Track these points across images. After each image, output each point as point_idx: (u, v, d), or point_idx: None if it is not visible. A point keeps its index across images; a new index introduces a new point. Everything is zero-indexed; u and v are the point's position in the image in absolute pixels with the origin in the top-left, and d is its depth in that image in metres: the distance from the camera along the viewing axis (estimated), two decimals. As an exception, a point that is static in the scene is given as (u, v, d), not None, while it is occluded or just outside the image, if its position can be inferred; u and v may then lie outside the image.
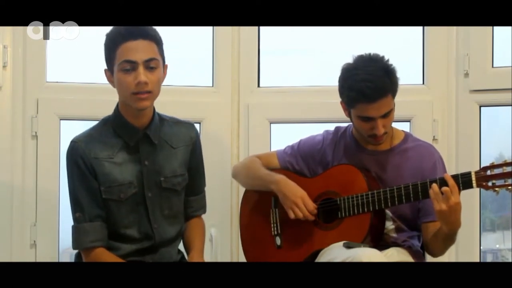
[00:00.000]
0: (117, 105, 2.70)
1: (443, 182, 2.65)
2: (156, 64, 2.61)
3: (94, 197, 2.64)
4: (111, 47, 2.62)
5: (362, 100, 2.76)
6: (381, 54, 2.83)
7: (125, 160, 2.67)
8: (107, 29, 2.69)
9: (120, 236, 2.67)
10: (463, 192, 2.73)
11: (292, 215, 2.86)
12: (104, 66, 2.68)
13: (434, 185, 2.63)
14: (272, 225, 3.00)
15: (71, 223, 2.70)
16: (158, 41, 2.64)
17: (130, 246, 2.68)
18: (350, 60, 2.85)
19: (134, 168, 2.67)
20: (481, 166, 2.67)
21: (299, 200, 2.85)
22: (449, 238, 2.73)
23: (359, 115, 2.81)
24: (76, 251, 2.77)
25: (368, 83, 2.74)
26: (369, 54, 2.83)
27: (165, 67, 2.68)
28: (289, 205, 2.86)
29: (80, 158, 2.63)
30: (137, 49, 2.58)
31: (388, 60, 2.82)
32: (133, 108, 2.64)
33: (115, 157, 2.65)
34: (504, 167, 2.61)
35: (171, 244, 2.77)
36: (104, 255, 2.63)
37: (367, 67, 2.78)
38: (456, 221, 2.66)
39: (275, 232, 2.99)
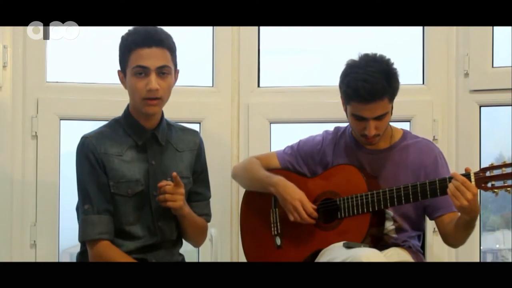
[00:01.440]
0: (128, 106, 2.75)
1: (442, 181, 2.66)
2: (168, 71, 2.66)
3: (103, 191, 2.67)
4: (125, 51, 2.67)
5: (356, 99, 2.77)
6: (387, 57, 2.82)
7: (133, 158, 2.71)
8: (107, 29, 2.70)
9: (124, 233, 2.69)
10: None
11: (291, 218, 2.87)
12: (117, 67, 2.72)
13: (451, 185, 2.61)
14: (272, 225, 3.00)
15: (71, 223, 2.72)
16: (171, 48, 2.68)
17: (133, 244, 2.70)
18: (355, 57, 2.84)
19: (141, 167, 2.71)
20: (481, 167, 2.67)
21: (298, 203, 2.85)
22: (471, 224, 2.70)
23: (353, 113, 2.82)
24: (76, 252, 2.78)
25: (364, 83, 2.74)
26: (375, 54, 2.82)
27: (176, 72, 2.73)
28: (289, 208, 2.87)
29: (91, 153, 2.68)
30: (151, 56, 2.63)
31: (392, 64, 2.81)
32: (142, 113, 2.70)
33: (123, 155, 2.70)
34: (503, 168, 2.61)
35: (173, 246, 2.78)
36: (109, 249, 2.66)
37: (367, 67, 2.78)
38: (476, 209, 2.64)
39: (275, 232, 2.99)
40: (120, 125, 2.74)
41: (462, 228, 2.73)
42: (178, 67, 2.73)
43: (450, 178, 2.63)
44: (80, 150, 2.71)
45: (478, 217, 2.71)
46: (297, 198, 2.85)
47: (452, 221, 2.76)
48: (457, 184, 2.59)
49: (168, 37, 2.68)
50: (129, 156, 2.71)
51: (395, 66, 2.81)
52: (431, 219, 2.88)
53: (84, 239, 2.69)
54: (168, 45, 2.67)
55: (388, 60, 2.82)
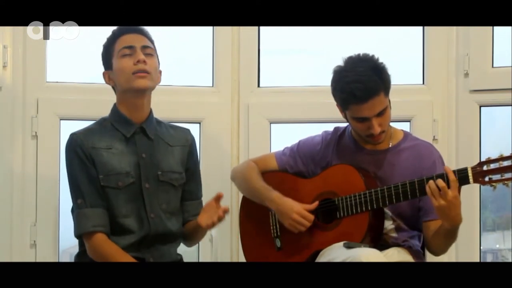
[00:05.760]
0: (114, 104, 2.78)
1: (440, 177, 2.65)
2: (151, 52, 2.75)
3: (94, 185, 2.69)
4: (109, 43, 2.75)
5: (353, 101, 2.77)
6: (370, 54, 2.83)
7: (122, 151, 2.73)
8: (107, 29, 2.71)
9: (118, 228, 2.69)
10: (463, 191, 2.73)
11: (295, 232, 2.86)
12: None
13: (431, 182, 2.64)
14: (271, 227, 2.99)
15: (71, 223, 2.72)
16: (151, 40, 2.78)
17: (129, 239, 2.69)
18: (340, 63, 2.84)
19: (131, 160, 2.73)
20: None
21: (296, 215, 2.84)
22: (450, 234, 2.73)
23: (354, 116, 2.82)
24: (75, 252, 2.79)
25: (357, 84, 2.75)
26: (359, 54, 2.83)
27: (159, 72, 2.77)
28: (289, 222, 2.86)
29: (79, 148, 2.71)
30: (134, 38, 2.73)
31: (378, 59, 2.82)
32: (130, 101, 2.73)
33: (112, 148, 2.73)
34: (501, 162, 2.61)
35: (170, 243, 2.78)
36: (105, 243, 2.66)
37: (356, 68, 2.78)
38: (456, 216, 2.65)
39: (275, 234, 2.98)
40: (107, 121, 2.78)
41: (442, 236, 2.75)
42: (178, 67, 2.74)
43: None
44: (69, 146, 2.74)
45: (479, 223, 2.72)
46: (295, 211, 2.85)
47: (435, 228, 2.77)
48: (442, 184, 2.60)
49: (148, 32, 2.79)
50: (118, 149, 2.73)
51: (381, 61, 2.81)
52: (420, 222, 2.87)
53: (79, 233, 2.69)
54: (148, 36, 2.77)
55: (373, 56, 2.82)
